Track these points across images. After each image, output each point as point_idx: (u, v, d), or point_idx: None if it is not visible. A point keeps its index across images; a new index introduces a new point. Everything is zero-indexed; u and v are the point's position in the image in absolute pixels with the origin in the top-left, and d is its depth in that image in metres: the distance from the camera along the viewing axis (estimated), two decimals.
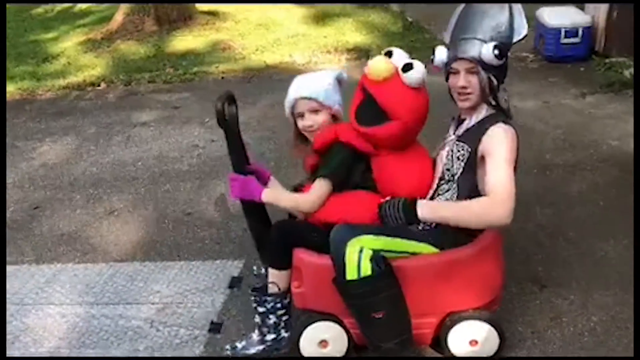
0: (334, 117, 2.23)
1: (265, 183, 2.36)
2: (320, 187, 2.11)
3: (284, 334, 2.20)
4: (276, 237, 2.18)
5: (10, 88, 6.44)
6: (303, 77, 2.29)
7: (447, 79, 2.10)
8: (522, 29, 2.03)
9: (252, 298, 2.20)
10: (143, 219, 3.46)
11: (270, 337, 2.19)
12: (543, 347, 2.22)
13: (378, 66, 2.07)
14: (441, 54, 2.08)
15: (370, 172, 2.16)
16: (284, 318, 2.20)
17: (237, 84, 5.76)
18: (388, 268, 1.96)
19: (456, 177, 2.07)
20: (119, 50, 7.39)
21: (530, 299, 2.48)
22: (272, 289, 2.17)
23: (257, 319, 2.21)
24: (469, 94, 2.03)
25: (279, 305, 2.18)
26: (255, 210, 2.26)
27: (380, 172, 2.14)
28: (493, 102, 2.05)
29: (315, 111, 2.19)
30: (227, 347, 2.28)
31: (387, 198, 2.03)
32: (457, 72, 2.03)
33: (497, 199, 1.87)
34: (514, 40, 2.04)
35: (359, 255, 1.92)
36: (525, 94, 4.82)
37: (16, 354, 2.41)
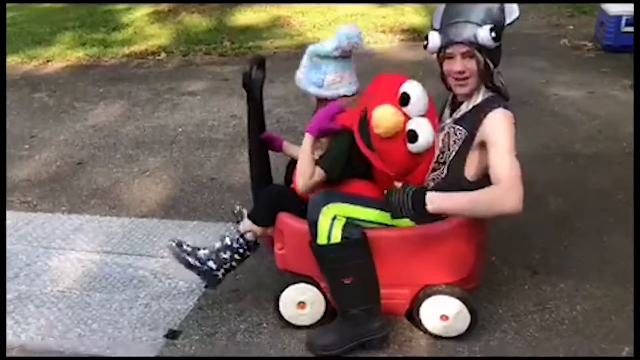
0: (320, 98, 2.23)
1: (279, 148, 2.50)
2: (317, 175, 2.15)
3: (219, 274, 2.29)
4: (266, 197, 2.30)
5: (80, 53, 6.86)
6: None
7: (441, 66, 2.06)
8: (513, 11, 1.99)
9: (232, 228, 2.31)
10: (171, 180, 3.67)
11: (210, 264, 2.28)
12: (519, 330, 2.22)
13: (386, 122, 1.89)
14: (435, 39, 2.02)
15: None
16: (233, 264, 2.31)
17: (286, 60, 5.88)
18: (360, 237, 2.02)
19: (448, 160, 2.07)
20: (183, 22, 7.68)
21: (519, 283, 2.47)
22: (249, 236, 2.29)
23: (218, 244, 2.31)
24: (466, 78, 1.98)
25: (240, 251, 2.29)
26: (261, 166, 2.39)
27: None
28: (491, 85, 2.03)
29: None
30: (175, 239, 2.32)
31: (396, 185, 2.00)
32: (452, 57, 1.98)
33: (506, 186, 1.84)
34: (507, 22, 2.01)
35: (331, 223, 1.99)
36: (571, 83, 4.66)
37: (35, 291, 2.66)
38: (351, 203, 2.04)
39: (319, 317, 2.28)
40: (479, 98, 2.04)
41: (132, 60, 6.56)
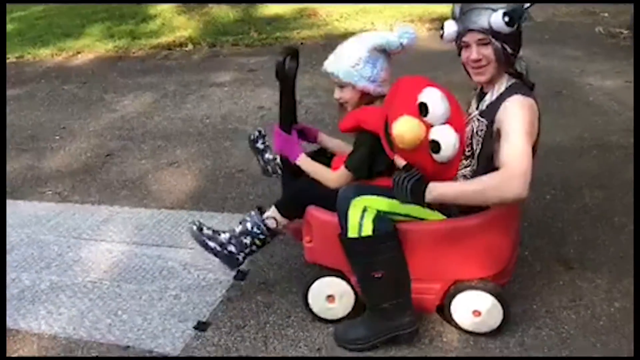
0: (366, 94, 2.14)
1: (314, 139, 2.44)
2: (343, 175, 2.14)
3: (240, 257, 2.29)
4: (294, 190, 2.29)
5: (109, 45, 6.92)
6: (340, 46, 2.19)
7: (459, 54, 2.02)
8: None
9: (252, 213, 2.30)
10: (199, 172, 3.67)
11: (231, 248, 2.27)
12: (554, 326, 2.16)
13: (407, 137, 1.81)
14: (450, 28, 1.97)
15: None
16: (253, 249, 2.30)
17: (313, 50, 5.82)
18: (391, 230, 1.99)
19: (476, 154, 2.02)
20: (210, 13, 7.69)
21: (554, 279, 2.40)
22: (270, 223, 2.27)
23: (238, 228, 2.29)
24: (483, 66, 1.94)
25: (261, 237, 2.28)
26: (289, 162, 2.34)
27: None
28: (512, 72, 1.98)
29: (341, 86, 2.17)
30: (196, 222, 2.32)
31: (403, 166, 1.89)
32: (468, 46, 1.94)
33: (509, 172, 1.78)
34: (526, 5, 1.94)
35: (361, 215, 1.96)
36: (607, 72, 4.54)
37: (66, 281, 2.69)
38: (381, 195, 2.00)
39: (348, 311, 2.26)
40: (502, 87, 1.99)
41: (159, 52, 6.59)
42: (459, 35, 1.95)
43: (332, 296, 2.24)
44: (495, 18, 1.85)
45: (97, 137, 4.34)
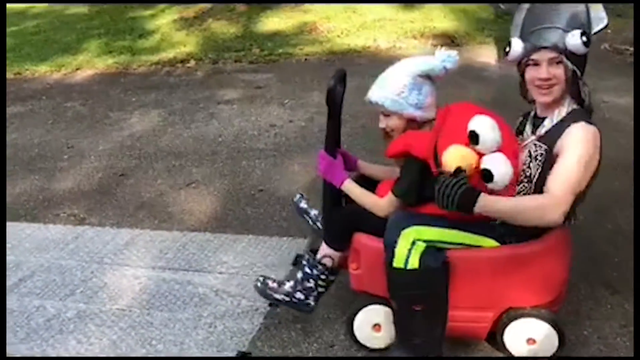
0: (412, 121, 2.10)
1: (353, 166, 2.38)
2: (391, 202, 2.07)
3: (310, 301, 2.26)
4: (340, 220, 2.21)
5: (109, 61, 6.83)
6: (383, 75, 2.15)
7: (522, 75, 2.00)
8: (601, 20, 1.91)
9: (306, 256, 2.26)
10: (218, 192, 3.59)
11: (299, 296, 2.24)
12: (609, 353, 2.12)
13: (454, 160, 1.77)
14: (518, 45, 1.95)
15: None
16: (320, 290, 2.26)
17: (319, 67, 5.81)
18: (439, 267, 1.92)
19: (534, 179, 1.98)
20: (210, 29, 7.63)
21: (601, 303, 2.37)
22: (327, 261, 2.22)
23: (299, 275, 2.26)
24: (551, 86, 1.90)
25: (323, 277, 2.24)
26: (331, 188, 2.27)
27: None
28: (576, 97, 1.95)
29: (386, 115, 2.13)
30: (260, 277, 2.30)
31: (454, 171, 1.75)
32: (538, 64, 1.91)
33: (552, 199, 1.78)
34: (593, 30, 1.92)
35: (410, 248, 1.89)
36: (620, 89, 4.55)
37: (94, 309, 2.59)
38: (431, 225, 1.93)
39: (394, 340, 2.19)
40: (563, 112, 1.96)
41: (161, 69, 6.51)
42: (526, 54, 1.92)
43: (378, 325, 2.17)
44: (573, 38, 1.82)
45: (108, 156, 4.25)
